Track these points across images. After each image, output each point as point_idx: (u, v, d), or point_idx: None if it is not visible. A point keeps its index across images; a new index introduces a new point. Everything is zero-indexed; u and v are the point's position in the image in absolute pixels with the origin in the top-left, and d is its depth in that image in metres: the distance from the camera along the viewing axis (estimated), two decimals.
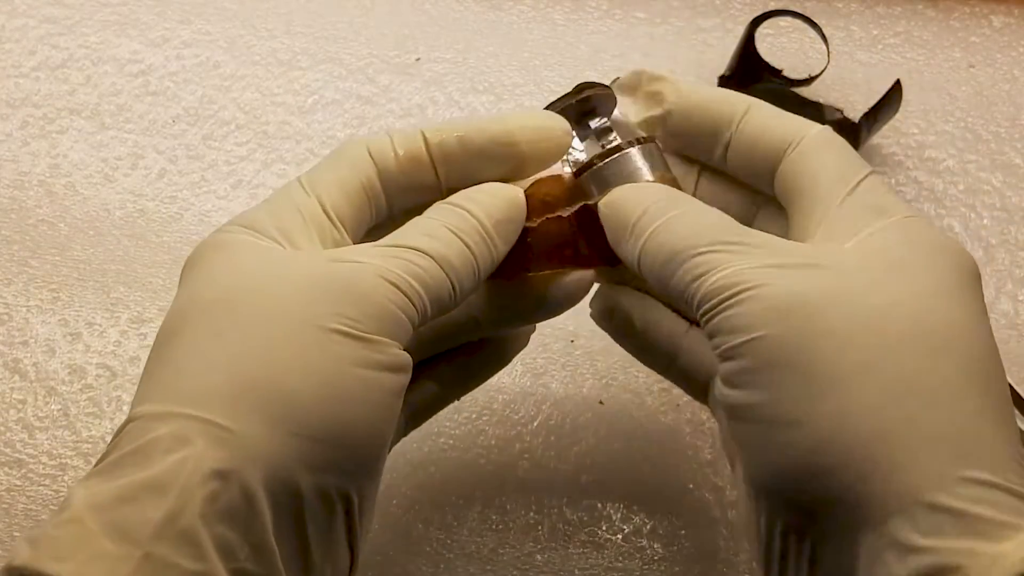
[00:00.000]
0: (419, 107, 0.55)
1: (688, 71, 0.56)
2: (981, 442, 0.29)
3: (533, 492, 0.45)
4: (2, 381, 0.47)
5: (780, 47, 0.57)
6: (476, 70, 0.56)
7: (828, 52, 0.52)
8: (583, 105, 0.38)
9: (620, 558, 0.44)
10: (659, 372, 0.38)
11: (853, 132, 0.51)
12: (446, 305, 0.33)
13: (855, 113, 0.51)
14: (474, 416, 0.46)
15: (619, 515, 0.44)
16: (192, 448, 0.28)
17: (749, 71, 0.52)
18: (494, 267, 0.35)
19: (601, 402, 0.47)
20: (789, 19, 0.53)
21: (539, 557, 0.44)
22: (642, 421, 0.46)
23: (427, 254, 0.33)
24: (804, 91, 0.53)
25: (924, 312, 0.31)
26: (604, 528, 0.44)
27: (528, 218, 0.36)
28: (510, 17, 0.58)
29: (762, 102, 0.37)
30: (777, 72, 0.52)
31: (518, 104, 0.55)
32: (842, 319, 0.30)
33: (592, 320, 0.39)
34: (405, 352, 0.32)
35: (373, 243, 0.34)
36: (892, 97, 0.50)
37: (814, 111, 0.53)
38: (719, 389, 0.32)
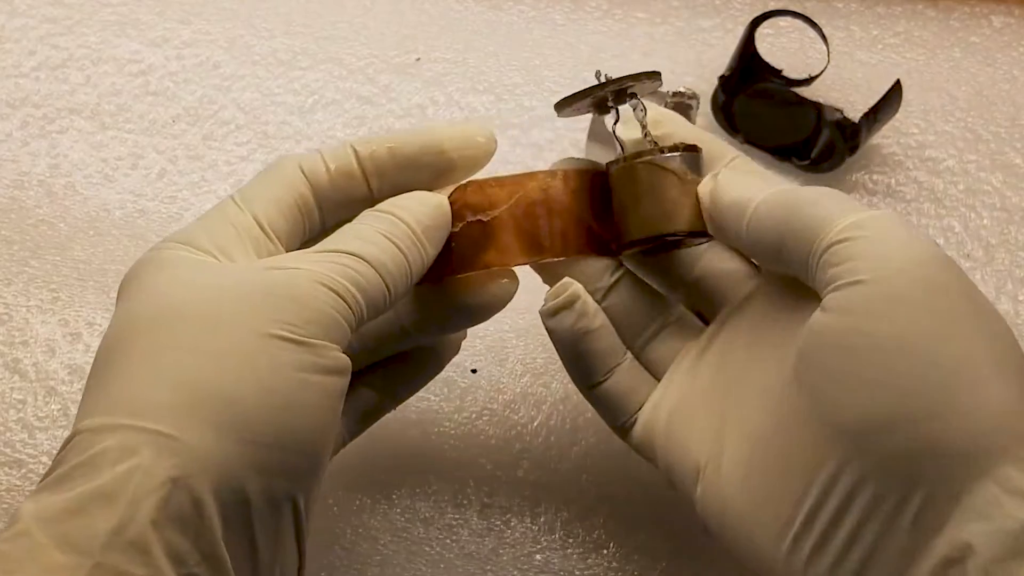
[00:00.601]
0: (419, 107, 0.55)
1: (688, 71, 0.56)
2: None
3: (533, 492, 0.45)
4: (2, 381, 0.47)
5: (780, 47, 0.57)
6: (476, 70, 0.56)
7: (828, 52, 0.52)
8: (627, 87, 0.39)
9: (620, 558, 0.44)
10: (586, 391, 0.39)
11: (853, 132, 0.51)
12: (381, 308, 0.34)
13: (855, 113, 0.51)
14: (474, 416, 0.46)
15: (619, 515, 0.44)
16: (140, 458, 0.29)
17: (749, 71, 0.52)
18: (424, 270, 0.36)
19: None
20: (789, 19, 0.53)
21: (539, 557, 0.44)
22: None
23: (362, 258, 0.34)
24: (804, 91, 0.53)
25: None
26: (604, 528, 0.44)
27: (452, 223, 0.37)
28: (510, 17, 0.58)
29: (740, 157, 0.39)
30: (777, 72, 0.52)
31: (518, 104, 0.55)
32: (964, 279, 0.32)
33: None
34: (344, 355, 0.33)
35: (308, 250, 0.34)
36: (892, 97, 0.50)
37: (814, 111, 0.53)
38: (825, 320, 0.32)
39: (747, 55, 0.52)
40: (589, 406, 0.46)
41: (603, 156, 0.50)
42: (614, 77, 0.39)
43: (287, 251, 0.36)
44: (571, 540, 0.44)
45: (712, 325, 0.39)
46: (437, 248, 0.37)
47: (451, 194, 0.38)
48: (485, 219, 0.37)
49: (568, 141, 0.54)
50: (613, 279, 0.39)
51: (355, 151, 0.37)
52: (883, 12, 0.58)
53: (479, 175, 0.39)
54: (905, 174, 0.53)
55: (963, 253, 0.51)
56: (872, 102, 0.50)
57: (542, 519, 0.44)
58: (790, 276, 0.36)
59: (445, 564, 0.43)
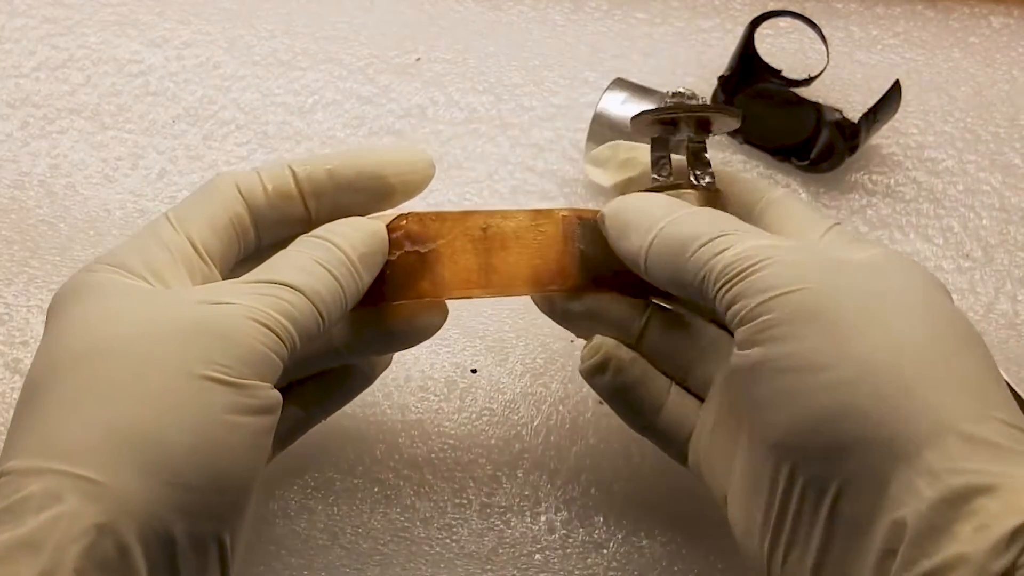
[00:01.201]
0: (419, 107, 0.55)
1: (688, 71, 0.56)
2: (997, 391, 0.31)
3: (533, 492, 0.45)
4: (2, 381, 0.47)
5: (780, 47, 0.57)
6: (476, 70, 0.56)
7: (827, 52, 0.52)
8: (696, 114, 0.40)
9: (620, 558, 0.44)
10: (640, 430, 0.40)
11: (852, 132, 0.51)
12: (314, 337, 0.34)
13: (854, 113, 0.51)
14: (474, 416, 0.46)
15: (618, 514, 0.44)
16: (65, 505, 0.28)
17: (749, 71, 0.52)
18: (359, 297, 0.36)
19: (601, 402, 0.47)
20: (788, 20, 0.53)
21: (538, 557, 0.44)
22: None
23: (297, 289, 0.33)
24: (803, 91, 0.53)
25: (925, 288, 0.34)
26: (604, 528, 0.44)
27: (389, 251, 0.38)
28: (510, 17, 0.58)
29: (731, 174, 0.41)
30: (776, 72, 0.52)
31: (518, 104, 0.55)
32: (860, 280, 0.33)
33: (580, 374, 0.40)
34: (275, 391, 0.32)
35: (243, 280, 0.34)
36: (891, 97, 0.50)
37: (813, 111, 0.53)
38: (735, 359, 0.34)
39: (747, 55, 0.52)
40: (589, 406, 0.46)
41: None
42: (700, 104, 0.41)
43: (221, 272, 0.36)
44: (571, 540, 0.44)
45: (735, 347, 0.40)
46: (372, 275, 0.37)
47: (391, 222, 0.38)
48: (423, 250, 0.38)
49: (568, 141, 0.54)
50: (644, 320, 0.40)
51: (293, 172, 0.37)
52: (882, 13, 0.58)
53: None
54: (904, 174, 0.53)
55: (962, 253, 0.51)
56: (871, 102, 0.50)
57: (542, 519, 0.44)
58: None
59: (445, 564, 0.43)
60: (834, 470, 0.31)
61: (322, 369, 0.40)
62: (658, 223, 0.36)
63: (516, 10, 0.58)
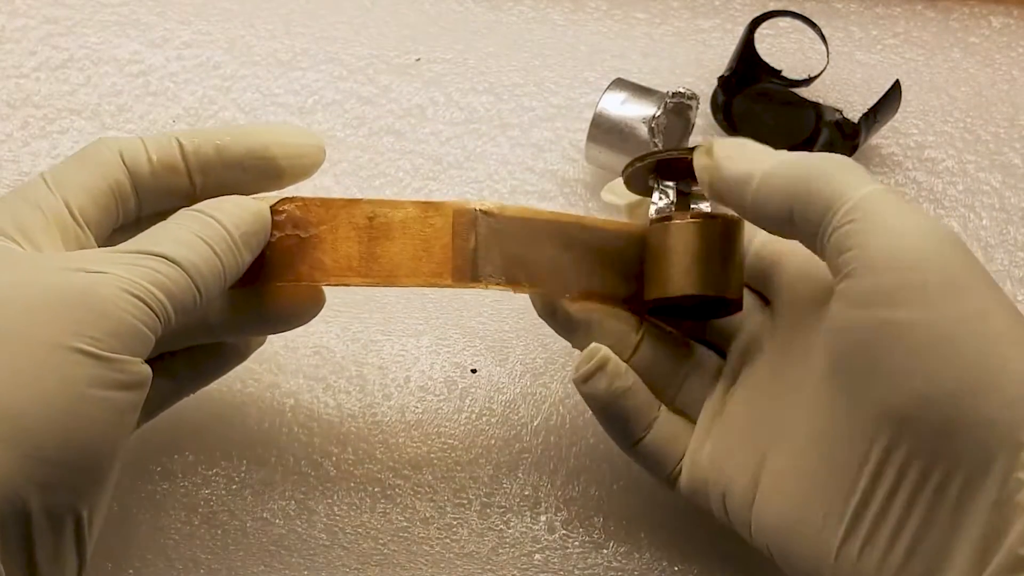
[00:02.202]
0: (419, 107, 0.55)
1: (688, 71, 0.56)
2: None
3: (533, 492, 0.45)
4: None
5: (779, 47, 0.57)
6: (476, 70, 0.56)
7: (827, 52, 0.52)
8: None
9: (620, 558, 0.44)
10: (628, 449, 0.40)
11: (852, 132, 0.51)
12: (190, 312, 0.34)
13: (854, 113, 0.51)
14: (474, 416, 0.46)
15: (618, 515, 0.44)
16: None
17: (748, 71, 0.52)
18: (239, 275, 0.36)
19: None
20: (788, 20, 0.53)
21: (538, 557, 0.44)
22: None
23: (175, 261, 0.33)
24: (803, 91, 0.53)
25: None
26: (604, 528, 0.44)
27: (271, 233, 0.37)
28: (510, 18, 0.58)
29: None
30: (776, 72, 0.52)
31: (518, 104, 0.55)
32: (968, 253, 0.32)
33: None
34: (145, 365, 0.32)
35: (119, 248, 0.33)
36: (891, 97, 0.50)
37: (813, 112, 0.53)
38: (846, 314, 0.32)
39: (746, 56, 0.52)
40: (588, 407, 0.46)
41: (602, 158, 0.50)
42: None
43: (97, 239, 0.35)
44: (571, 540, 0.44)
45: (730, 358, 0.40)
46: (254, 254, 0.37)
47: (275, 204, 0.38)
48: (304, 235, 0.38)
49: (568, 142, 0.54)
50: (639, 336, 0.40)
51: (180, 144, 0.37)
52: (882, 13, 0.58)
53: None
54: (904, 174, 0.53)
55: None
56: (871, 102, 0.50)
57: (542, 519, 0.44)
58: (799, 302, 0.37)
59: (445, 564, 0.43)
60: (947, 448, 0.30)
61: (195, 344, 0.40)
62: (780, 152, 0.35)
63: (516, 10, 0.59)
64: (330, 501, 0.45)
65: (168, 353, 0.39)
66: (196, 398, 0.46)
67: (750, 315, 0.40)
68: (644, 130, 0.49)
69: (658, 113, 0.49)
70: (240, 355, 0.42)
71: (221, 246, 0.35)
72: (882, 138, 0.54)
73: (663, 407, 0.40)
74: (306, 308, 0.40)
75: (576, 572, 0.43)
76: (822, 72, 0.52)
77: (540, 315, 0.41)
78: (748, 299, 0.40)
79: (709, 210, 0.40)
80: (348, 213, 0.38)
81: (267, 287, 0.39)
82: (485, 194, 0.52)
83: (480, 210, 0.39)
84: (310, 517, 0.44)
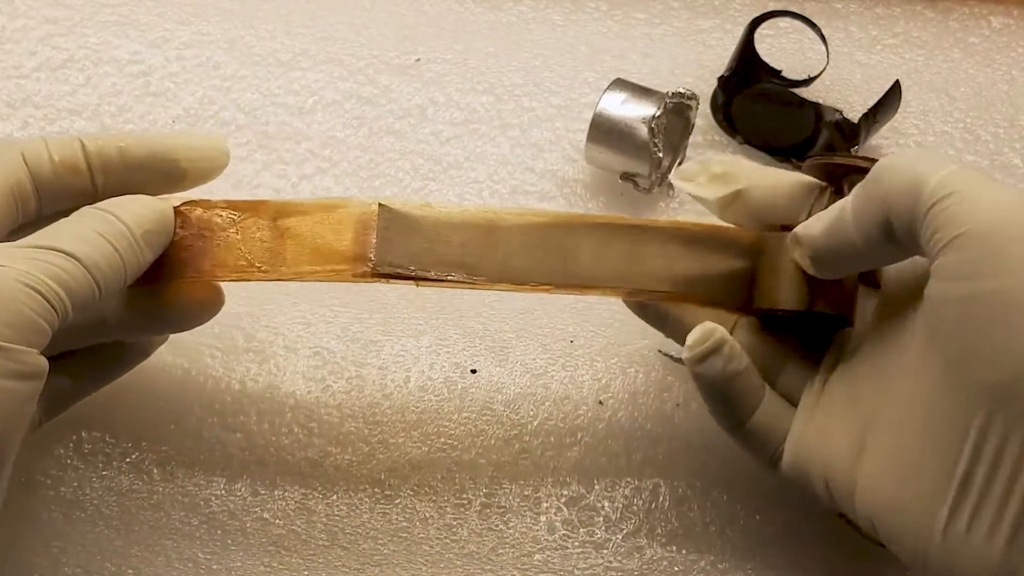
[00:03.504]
0: (419, 108, 0.55)
1: (688, 72, 0.56)
2: None
3: (533, 492, 0.45)
4: None
5: (779, 48, 0.57)
6: (476, 71, 0.56)
7: (827, 53, 0.52)
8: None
9: (620, 558, 0.44)
10: (731, 429, 0.39)
11: (852, 133, 0.51)
12: (89, 307, 0.34)
13: (854, 114, 0.51)
14: (474, 416, 0.46)
15: (618, 515, 0.44)
16: None
17: (748, 72, 0.53)
18: (140, 273, 0.36)
19: (600, 402, 0.47)
20: (788, 20, 0.53)
21: (538, 557, 0.44)
22: (641, 421, 0.46)
23: (74, 256, 0.33)
24: (803, 92, 0.53)
25: None
26: (604, 528, 0.44)
27: (174, 232, 0.38)
28: (510, 18, 0.58)
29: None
30: (776, 73, 0.52)
31: (518, 104, 0.55)
32: None
33: (632, 314, 0.40)
34: (42, 357, 0.32)
35: (17, 244, 0.34)
36: (891, 98, 0.50)
37: (813, 112, 0.53)
38: (939, 290, 0.32)
39: (746, 56, 0.52)
40: (589, 406, 0.46)
41: (601, 158, 0.50)
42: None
43: None
44: (571, 540, 0.44)
45: (832, 346, 0.40)
46: (156, 253, 0.37)
47: (180, 205, 0.39)
48: (208, 235, 0.39)
49: (567, 142, 0.54)
50: (733, 324, 0.40)
51: (83, 145, 0.37)
52: (882, 13, 0.58)
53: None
54: None
55: None
56: (871, 103, 0.50)
57: (542, 519, 0.44)
58: (902, 287, 0.37)
59: (445, 564, 0.44)
60: None
61: (96, 342, 0.40)
62: (846, 199, 0.36)
63: (516, 11, 0.59)
64: (330, 501, 0.45)
65: (68, 352, 0.39)
66: (196, 399, 0.46)
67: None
68: (644, 130, 0.49)
69: (658, 113, 0.49)
70: (143, 353, 0.42)
71: (122, 243, 0.35)
72: (882, 138, 0.54)
73: (768, 388, 0.39)
74: (205, 308, 0.40)
75: (576, 572, 0.43)
76: (822, 72, 0.52)
77: (628, 306, 0.41)
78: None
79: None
80: (253, 214, 0.39)
81: (168, 286, 0.39)
82: (485, 194, 0.52)
83: (385, 206, 0.39)
84: (310, 517, 0.44)
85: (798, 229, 0.38)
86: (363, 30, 0.58)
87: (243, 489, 0.45)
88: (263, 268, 0.39)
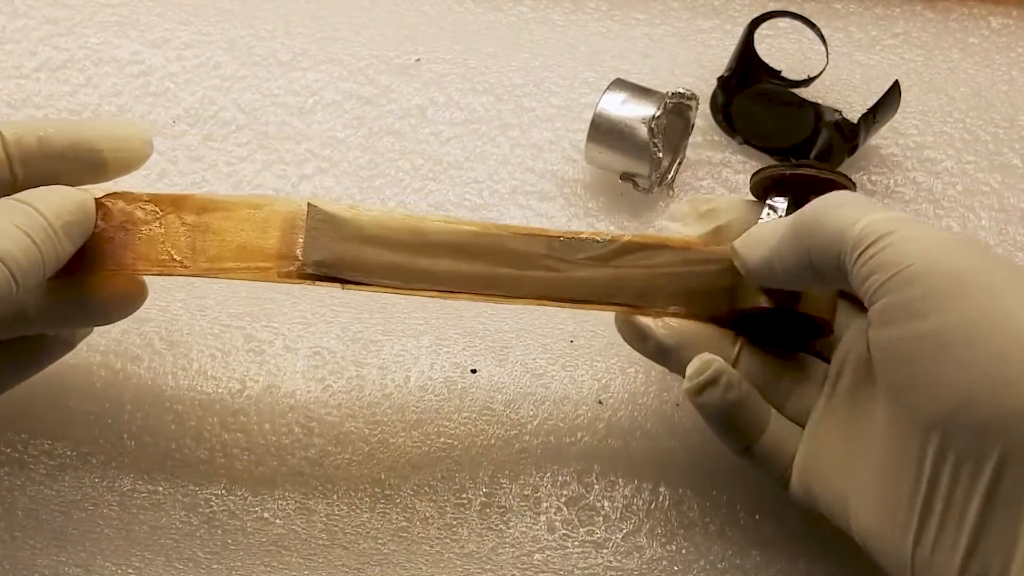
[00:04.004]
0: (419, 108, 0.55)
1: (687, 72, 0.56)
2: None
3: (532, 492, 0.45)
4: None
5: (779, 48, 0.57)
6: (476, 71, 0.56)
7: (827, 53, 0.52)
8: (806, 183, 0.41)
9: (620, 557, 0.44)
10: (740, 453, 0.39)
11: (852, 133, 0.51)
12: (7, 300, 0.34)
13: (854, 114, 0.51)
14: (474, 416, 0.47)
15: (618, 514, 0.44)
16: None
17: (748, 72, 0.53)
18: (59, 266, 0.36)
19: (600, 402, 0.47)
20: (788, 20, 0.53)
21: (538, 556, 0.44)
22: (641, 421, 0.46)
23: None
24: (803, 92, 0.53)
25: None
26: (603, 527, 0.44)
27: (96, 224, 0.38)
28: (510, 18, 0.58)
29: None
30: (776, 73, 0.52)
31: (518, 105, 0.55)
32: (985, 250, 0.33)
33: (622, 339, 0.41)
34: None
35: None
36: (891, 98, 0.50)
37: (813, 112, 0.53)
38: (877, 337, 0.33)
39: (746, 56, 0.52)
40: (589, 406, 0.46)
41: (601, 158, 0.50)
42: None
43: None
44: (571, 540, 0.44)
45: (831, 368, 0.40)
46: (76, 245, 0.37)
47: (102, 196, 0.39)
48: (131, 227, 0.39)
49: (567, 142, 0.54)
50: (738, 347, 0.40)
51: (1, 135, 0.37)
52: (881, 13, 0.58)
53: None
54: (904, 175, 0.53)
55: None
56: (871, 103, 0.50)
57: (542, 519, 0.44)
58: None
59: (445, 563, 0.44)
60: (991, 444, 0.30)
61: (17, 335, 0.40)
62: (785, 221, 0.36)
63: (516, 11, 0.59)
64: (330, 501, 0.45)
65: None
66: (196, 399, 0.46)
67: (850, 324, 0.40)
68: (644, 130, 0.49)
69: (658, 113, 0.49)
70: (66, 345, 0.42)
71: (40, 235, 0.35)
72: (881, 138, 0.54)
73: (773, 411, 0.39)
74: (128, 300, 0.40)
75: (576, 572, 0.44)
76: (821, 73, 0.52)
77: (628, 342, 0.41)
78: (846, 308, 0.40)
79: None
80: (177, 208, 0.39)
81: (89, 278, 0.39)
82: (485, 195, 0.52)
83: (314, 206, 0.39)
84: (310, 517, 0.44)
85: (736, 243, 0.39)
86: (363, 30, 0.58)
87: (243, 489, 0.45)
88: (185, 263, 0.39)
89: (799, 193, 0.40)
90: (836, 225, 0.34)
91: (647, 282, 0.40)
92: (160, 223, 0.39)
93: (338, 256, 0.39)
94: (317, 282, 0.39)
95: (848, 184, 0.40)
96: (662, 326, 0.40)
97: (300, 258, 0.39)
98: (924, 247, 0.32)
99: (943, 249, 0.32)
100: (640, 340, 0.40)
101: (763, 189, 0.42)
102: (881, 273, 0.32)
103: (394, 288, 0.39)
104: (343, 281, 0.39)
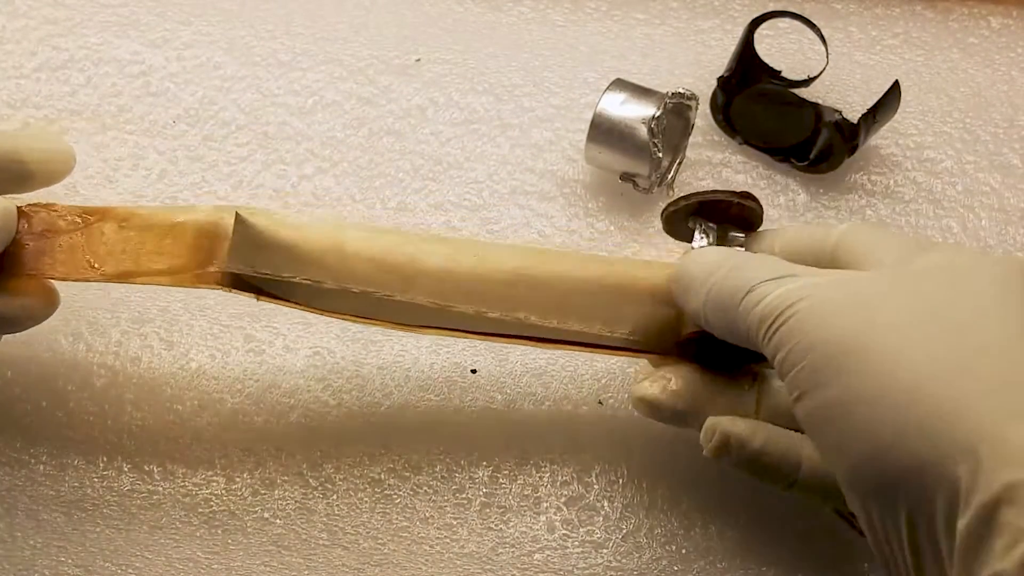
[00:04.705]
0: (419, 108, 0.55)
1: (687, 72, 0.56)
2: None
3: (532, 492, 0.45)
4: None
5: (779, 48, 0.57)
6: (476, 71, 0.56)
7: (827, 53, 0.52)
8: (738, 210, 0.42)
9: (619, 557, 0.44)
10: (787, 490, 0.39)
11: (852, 133, 0.51)
12: None
13: (854, 114, 0.51)
14: (474, 416, 0.47)
15: (618, 514, 0.44)
16: None
17: (748, 72, 0.53)
18: None
19: (600, 402, 0.47)
20: (788, 20, 0.53)
21: (538, 557, 0.44)
22: (641, 420, 0.46)
23: None
24: (803, 92, 0.53)
25: (1001, 286, 0.33)
26: (603, 527, 0.44)
27: (18, 231, 0.40)
28: (510, 18, 0.58)
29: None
30: (776, 73, 0.52)
31: (518, 105, 0.55)
32: (904, 301, 0.33)
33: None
34: None
35: None
36: (891, 98, 0.50)
37: (813, 112, 0.53)
38: (793, 406, 0.34)
39: (746, 56, 0.52)
40: (588, 407, 0.46)
41: (601, 158, 0.50)
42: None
43: None
44: (571, 540, 0.44)
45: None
46: None
47: (26, 206, 0.40)
48: (50, 235, 0.40)
49: (567, 142, 0.54)
50: (754, 391, 0.40)
51: None
52: (881, 13, 0.58)
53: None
54: (904, 175, 0.53)
55: None
56: (871, 103, 0.50)
57: (542, 519, 0.44)
58: None
59: (445, 563, 0.44)
60: (898, 498, 0.31)
61: None
62: (710, 276, 0.37)
63: (516, 11, 0.59)
64: (330, 501, 0.45)
65: None
66: (196, 399, 0.46)
67: None
68: (643, 131, 0.49)
69: (657, 113, 0.49)
70: None
71: None
72: (881, 138, 0.54)
73: (807, 439, 0.39)
74: (39, 308, 0.41)
75: (576, 572, 0.44)
76: (821, 73, 0.52)
77: (648, 416, 0.41)
78: None
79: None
80: (100, 218, 0.41)
81: (5, 283, 0.40)
82: (485, 195, 0.52)
83: (240, 217, 0.40)
84: (310, 517, 0.44)
85: (672, 286, 0.40)
86: (363, 30, 0.58)
87: (243, 489, 0.45)
88: (103, 269, 0.40)
89: (717, 218, 0.42)
90: (747, 304, 0.35)
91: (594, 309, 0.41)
92: (82, 232, 0.40)
93: (254, 268, 0.40)
94: (234, 291, 0.40)
95: (757, 208, 0.42)
96: (666, 394, 0.40)
97: (216, 267, 0.39)
98: (820, 317, 0.33)
99: (838, 314, 0.33)
100: (656, 412, 0.41)
101: (686, 216, 0.43)
102: (783, 349, 0.34)
103: (310, 309, 0.40)
104: (259, 293, 0.40)
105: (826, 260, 0.39)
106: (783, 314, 0.34)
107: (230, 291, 0.40)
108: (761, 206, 0.42)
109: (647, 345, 0.41)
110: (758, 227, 0.43)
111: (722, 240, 0.42)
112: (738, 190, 0.42)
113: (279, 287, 0.40)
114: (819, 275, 0.36)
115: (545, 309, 0.41)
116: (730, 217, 0.42)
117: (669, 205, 0.43)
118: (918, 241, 0.37)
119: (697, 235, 0.42)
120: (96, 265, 0.40)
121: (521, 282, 0.41)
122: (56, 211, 0.41)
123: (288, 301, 0.40)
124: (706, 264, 0.38)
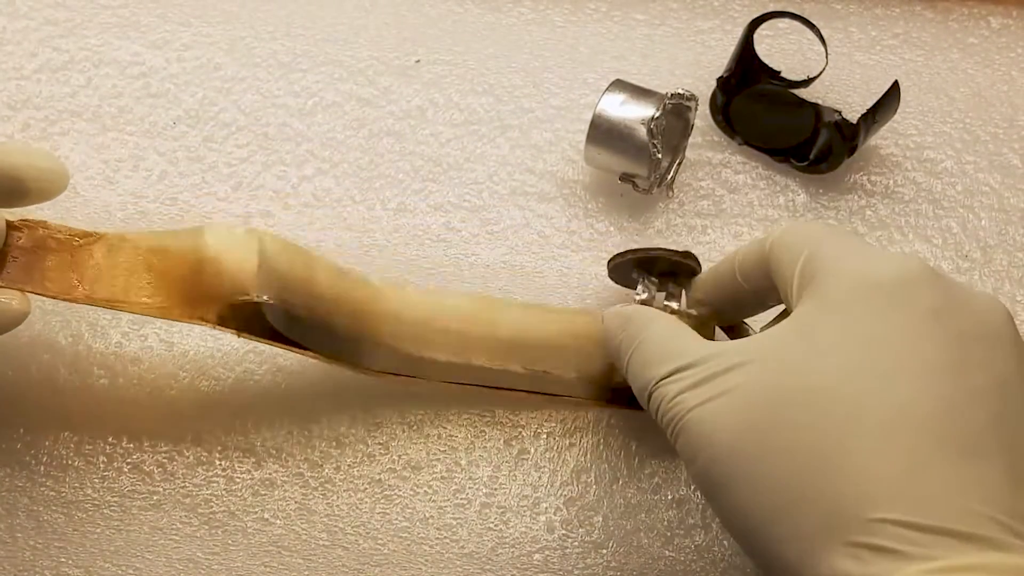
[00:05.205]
0: (419, 109, 0.55)
1: (687, 73, 0.56)
2: (941, 472, 0.31)
3: (533, 492, 0.45)
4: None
5: (779, 48, 0.57)
6: (476, 72, 0.56)
7: (826, 53, 0.52)
8: (673, 266, 0.44)
9: (620, 558, 0.44)
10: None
11: (851, 133, 0.51)
12: None
13: (853, 114, 0.51)
14: (474, 416, 0.47)
15: (618, 514, 0.44)
16: None
17: (748, 73, 0.53)
18: None
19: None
20: (787, 21, 0.53)
21: (538, 557, 0.44)
22: (642, 421, 0.46)
23: None
24: (802, 92, 0.53)
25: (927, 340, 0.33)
26: (604, 528, 0.44)
27: (7, 243, 0.40)
28: (509, 19, 0.58)
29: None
30: (776, 73, 0.52)
31: (518, 106, 0.55)
32: (804, 373, 0.34)
33: None
34: None
35: None
36: (890, 98, 0.50)
37: (812, 112, 0.53)
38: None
39: (746, 57, 0.52)
40: (587, 407, 0.46)
41: (601, 159, 0.50)
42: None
43: None
44: (571, 540, 0.44)
45: None
46: None
47: (18, 220, 0.40)
48: (40, 252, 0.41)
49: (567, 143, 0.54)
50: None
51: None
52: (881, 13, 0.58)
53: None
54: (903, 175, 0.53)
55: (961, 254, 0.51)
56: (870, 103, 0.50)
57: (542, 519, 0.45)
58: None
59: (445, 563, 0.44)
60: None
61: None
62: (626, 354, 0.40)
63: (516, 12, 0.59)
64: (330, 501, 0.45)
65: None
66: (196, 399, 0.46)
67: None
68: (643, 131, 0.49)
69: (657, 114, 0.49)
70: None
71: None
72: (881, 139, 0.54)
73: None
74: (8, 316, 0.41)
75: (576, 572, 0.44)
76: (821, 73, 0.52)
77: None
78: None
79: (680, 308, 0.43)
80: (90, 241, 0.41)
81: None
82: (485, 195, 0.52)
83: (249, 233, 0.41)
84: (310, 517, 0.44)
85: (605, 342, 0.42)
86: (363, 31, 0.58)
87: (243, 489, 0.45)
88: (90, 292, 0.40)
89: (660, 267, 0.44)
90: (652, 406, 0.37)
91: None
92: (71, 252, 0.41)
93: (275, 300, 0.41)
94: (222, 328, 0.41)
95: (695, 266, 0.43)
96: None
97: (210, 301, 0.40)
98: (699, 436, 0.35)
99: (718, 430, 0.34)
100: None
101: (631, 268, 0.45)
102: (682, 457, 0.36)
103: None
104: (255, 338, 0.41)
105: (765, 269, 0.40)
106: (676, 426, 0.36)
107: (215, 327, 0.41)
108: (699, 264, 0.44)
109: (586, 392, 0.45)
110: (698, 273, 0.44)
111: (662, 289, 0.44)
112: (680, 249, 0.44)
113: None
114: (714, 359, 0.36)
115: (493, 353, 0.44)
116: (672, 266, 0.44)
117: (615, 257, 0.45)
118: (822, 263, 0.37)
119: (640, 287, 0.44)
120: (83, 287, 0.40)
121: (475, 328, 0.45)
122: (47, 229, 0.41)
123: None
124: (623, 337, 0.40)
